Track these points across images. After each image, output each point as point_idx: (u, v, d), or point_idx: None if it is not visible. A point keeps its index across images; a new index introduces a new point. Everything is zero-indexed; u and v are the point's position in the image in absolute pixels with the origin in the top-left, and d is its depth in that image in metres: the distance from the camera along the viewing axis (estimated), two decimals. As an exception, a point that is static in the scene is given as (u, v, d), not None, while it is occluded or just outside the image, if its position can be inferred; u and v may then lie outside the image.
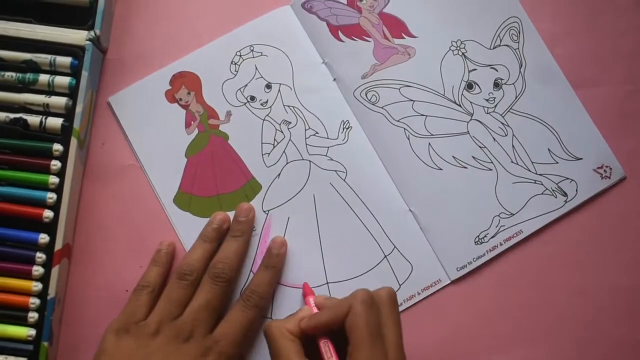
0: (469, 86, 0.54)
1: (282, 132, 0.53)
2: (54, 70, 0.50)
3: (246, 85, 0.53)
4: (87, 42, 0.50)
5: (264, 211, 0.52)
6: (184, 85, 0.53)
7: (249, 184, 0.53)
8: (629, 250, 0.53)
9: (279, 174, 0.53)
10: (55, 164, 0.49)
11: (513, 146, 0.53)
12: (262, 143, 0.53)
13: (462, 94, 0.54)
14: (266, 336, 0.46)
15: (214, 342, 0.46)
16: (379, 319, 0.43)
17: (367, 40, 0.54)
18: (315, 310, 0.47)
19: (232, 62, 0.53)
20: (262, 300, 0.49)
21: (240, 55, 0.53)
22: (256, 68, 0.53)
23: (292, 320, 0.46)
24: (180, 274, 0.48)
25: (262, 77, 0.53)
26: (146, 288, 0.49)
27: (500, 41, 0.54)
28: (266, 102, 0.53)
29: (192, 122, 0.53)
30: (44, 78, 0.50)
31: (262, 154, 0.53)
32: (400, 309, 0.51)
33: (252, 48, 0.54)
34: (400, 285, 0.52)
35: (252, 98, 0.53)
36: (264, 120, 0.53)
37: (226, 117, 0.53)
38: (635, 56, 0.55)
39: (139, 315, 0.47)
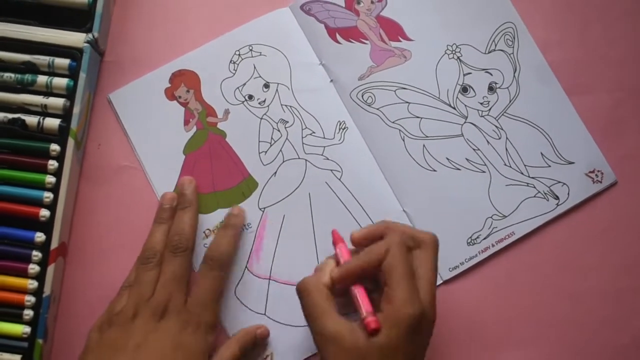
0: (464, 89, 0.54)
1: (279, 131, 0.54)
2: (52, 72, 0.51)
3: (244, 84, 0.54)
4: (85, 45, 0.51)
5: (260, 209, 0.53)
6: (183, 83, 0.54)
7: (246, 181, 0.53)
8: (619, 253, 0.54)
9: (275, 172, 0.53)
10: (52, 164, 0.50)
11: (506, 149, 0.54)
12: (259, 141, 0.53)
13: (457, 97, 0.54)
14: (301, 292, 0.46)
15: (190, 314, 0.47)
16: (414, 260, 0.45)
17: (364, 43, 0.55)
18: (345, 257, 0.47)
19: (231, 61, 0.54)
20: (224, 257, 0.49)
21: (239, 55, 0.54)
22: (255, 67, 0.54)
23: (324, 275, 0.46)
24: (144, 259, 0.49)
25: (260, 76, 0.54)
26: (128, 288, 0.49)
27: (495, 46, 0.55)
28: (264, 101, 0.54)
29: (191, 120, 0.53)
30: (42, 79, 0.50)
31: (259, 152, 0.53)
32: (394, 307, 0.52)
33: (251, 48, 0.54)
34: (393, 285, 0.52)
35: (250, 97, 0.54)
36: (261, 119, 0.54)
37: (224, 115, 0.54)
38: (625, 64, 0.55)
39: (118, 308, 0.48)
